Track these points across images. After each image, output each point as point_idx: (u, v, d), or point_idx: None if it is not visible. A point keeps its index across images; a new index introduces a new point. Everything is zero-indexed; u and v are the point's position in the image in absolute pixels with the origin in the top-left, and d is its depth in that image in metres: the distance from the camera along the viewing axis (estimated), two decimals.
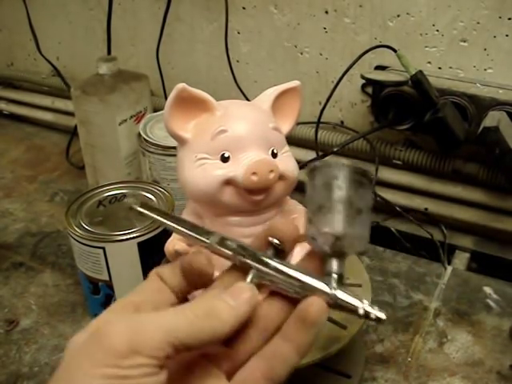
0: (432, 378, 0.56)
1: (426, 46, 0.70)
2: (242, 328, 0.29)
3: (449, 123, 0.65)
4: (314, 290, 0.29)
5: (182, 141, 0.46)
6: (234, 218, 0.46)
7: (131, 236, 0.57)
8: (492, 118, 0.64)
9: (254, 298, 0.29)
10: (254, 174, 0.43)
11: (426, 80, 0.66)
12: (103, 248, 0.57)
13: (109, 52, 0.87)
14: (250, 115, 0.47)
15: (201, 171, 0.44)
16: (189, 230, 0.32)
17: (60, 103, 1.02)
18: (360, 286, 0.54)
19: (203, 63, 0.88)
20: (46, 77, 1.02)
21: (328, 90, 0.73)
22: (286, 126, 0.50)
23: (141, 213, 0.33)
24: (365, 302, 0.29)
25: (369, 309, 0.29)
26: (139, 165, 0.76)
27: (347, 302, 0.29)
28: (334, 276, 0.30)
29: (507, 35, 0.66)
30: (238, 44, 0.83)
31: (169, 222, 0.33)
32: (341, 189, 0.29)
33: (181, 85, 0.44)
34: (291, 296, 0.30)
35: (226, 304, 0.28)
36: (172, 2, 0.83)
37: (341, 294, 0.29)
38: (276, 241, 0.31)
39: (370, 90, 0.75)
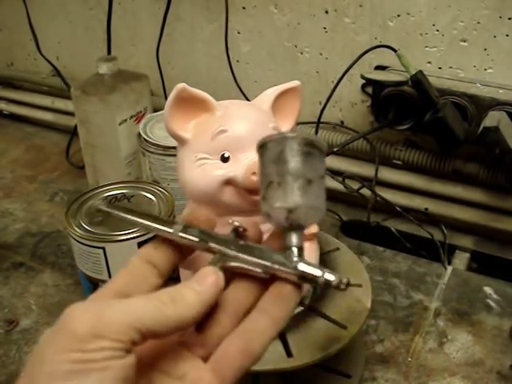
0: (432, 378, 0.56)
1: (426, 46, 0.70)
2: (212, 313, 0.30)
3: (449, 123, 0.65)
4: (277, 268, 0.30)
5: (182, 141, 0.46)
6: (234, 217, 0.46)
7: (131, 236, 0.57)
8: (492, 118, 0.64)
9: (219, 281, 0.29)
10: (254, 173, 0.43)
11: (426, 80, 0.66)
12: (103, 248, 0.57)
13: (109, 52, 0.86)
14: (250, 115, 0.47)
15: (201, 171, 0.44)
16: (152, 221, 0.32)
17: (60, 103, 1.02)
18: (360, 286, 0.54)
19: (203, 63, 0.88)
20: (46, 77, 1.02)
21: (328, 89, 0.73)
22: (286, 126, 0.50)
23: (108, 213, 0.34)
24: (326, 270, 0.29)
25: (329, 276, 0.29)
26: (139, 165, 0.76)
27: (309, 273, 0.29)
28: (294, 250, 0.30)
29: (507, 35, 0.65)
30: (237, 44, 0.83)
31: (131, 217, 0.33)
32: (288, 161, 0.29)
33: (181, 85, 0.44)
34: (258, 276, 0.30)
35: (191, 289, 0.29)
36: (172, 1, 0.83)
37: (302, 266, 0.29)
38: (237, 223, 0.31)
39: (370, 89, 0.75)
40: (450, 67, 0.70)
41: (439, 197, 0.76)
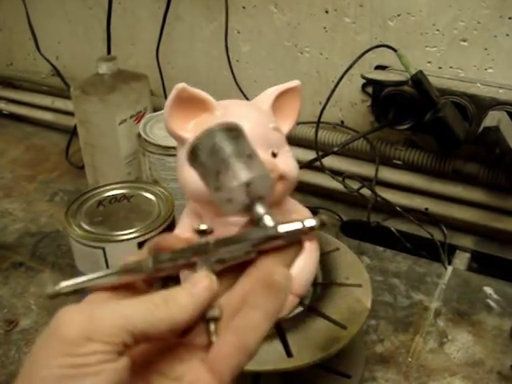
0: (432, 378, 0.56)
1: (427, 46, 0.70)
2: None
3: (449, 123, 0.65)
4: (259, 240, 0.30)
5: (181, 141, 0.46)
6: (234, 217, 0.46)
7: (131, 236, 0.57)
8: (492, 118, 0.64)
9: (212, 284, 0.29)
10: None
11: (426, 80, 0.66)
12: (103, 248, 0.57)
13: (108, 51, 0.86)
14: (250, 115, 0.47)
15: None
16: (119, 274, 0.30)
17: (60, 103, 1.02)
18: (360, 286, 0.54)
19: (203, 63, 0.88)
20: (46, 76, 1.02)
21: (328, 89, 0.72)
22: (286, 126, 0.50)
23: (65, 293, 0.31)
24: (303, 219, 0.30)
25: (310, 223, 0.30)
26: (139, 165, 0.76)
27: (291, 231, 0.30)
28: (267, 216, 0.30)
29: (508, 35, 0.65)
30: (237, 44, 0.83)
31: (95, 278, 0.31)
32: (224, 148, 0.30)
33: (180, 85, 0.44)
34: (248, 259, 0.30)
35: (185, 291, 0.29)
36: (172, 1, 0.83)
37: (282, 228, 0.30)
38: (203, 226, 0.31)
39: (370, 89, 0.75)
40: (451, 67, 0.70)
41: (439, 197, 0.76)
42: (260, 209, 0.30)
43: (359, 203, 0.80)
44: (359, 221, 0.80)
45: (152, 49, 0.88)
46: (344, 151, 0.77)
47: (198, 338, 0.29)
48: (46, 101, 1.04)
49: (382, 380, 0.56)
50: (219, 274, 0.30)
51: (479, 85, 0.67)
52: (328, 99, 0.72)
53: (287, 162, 0.47)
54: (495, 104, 0.65)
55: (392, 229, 0.76)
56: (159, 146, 0.69)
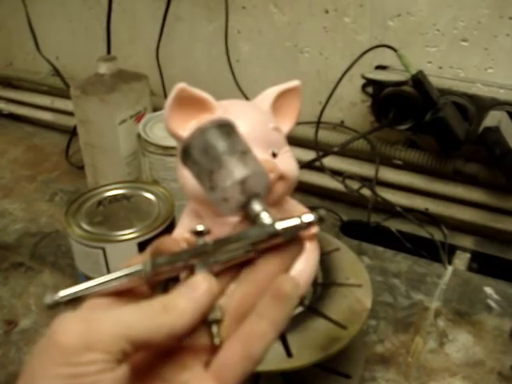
0: (432, 379, 0.56)
1: (427, 46, 0.70)
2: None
3: (449, 123, 0.65)
4: (258, 238, 0.29)
5: (181, 140, 0.46)
6: (234, 217, 0.46)
7: (131, 236, 0.57)
8: (492, 118, 0.64)
9: (212, 287, 0.29)
10: None
11: (426, 80, 0.66)
12: (103, 248, 0.57)
13: (108, 51, 0.86)
14: (250, 115, 0.47)
15: None
16: (117, 280, 0.30)
17: (59, 103, 1.02)
18: (360, 286, 0.54)
19: (203, 63, 0.88)
20: (46, 76, 1.02)
21: (328, 89, 0.72)
22: (286, 126, 0.50)
23: (64, 302, 0.31)
24: (300, 215, 0.29)
25: (308, 218, 0.29)
26: (139, 165, 0.76)
27: (289, 227, 0.29)
28: (264, 213, 0.29)
29: (508, 35, 0.65)
30: (238, 44, 0.83)
31: (93, 285, 0.31)
32: (217, 146, 0.29)
33: (180, 84, 0.44)
34: (244, 259, 0.30)
35: (184, 296, 0.28)
36: (172, 1, 0.83)
37: (280, 225, 0.29)
38: (200, 227, 0.30)
39: (370, 89, 0.75)
40: (451, 67, 0.70)
41: (440, 197, 0.75)
42: (257, 206, 0.30)
43: (359, 203, 0.80)
44: (359, 221, 0.80)
45: (152, 49, 0.88)
46: (344, 151, 0.77)
47: (200, 340, 0.29)
48: (46, 101, 1.04)
49: (382, 380, 0.56)
50: (217, 274, 0.30)
51: (479, 85, 0.67)
52: (328, 99, 0.72)
53: (287, 162, 0.47)
54: (495, 104, 0.65)
55: (392, 229, 0.76)
56: (159, 146, 0.69)
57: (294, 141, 0.75)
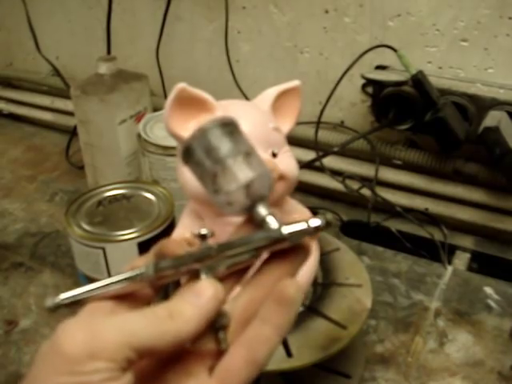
0: (432, 378, 0.56)
1: (427, 46, 0.70)
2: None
3: (449, 123, 0.65)
4: (264, 243, 0.28)
5: (182, 141, 0.46)
6: (234, 218, 0.46)
7: (131, 236, 0.57)
8: (492, 118, 0.64)
9: (218, 293, 0.28)
10: None
11: (426, 80, 0.66)
12: (103, 248, 0.57)
13: (108, 51, 0.86)
14: (250, 115, 0.47)
15: None
16: (119, 283, 0.30)
17: (59, 103, 1.02)
18: (360, 286, 0.54)
19: (203, 63, 0.88)
20: (46, 76, 1.02)
21: (328, 89, 0.72)
22: (286, 126, 0.50)
23: (66, 305, 0.31)
24: (308, 219, 0.28)
25: (315, 222, 0.28)
26: (139, 165, 0.76)
27: (295, 232, 0.28)
28: (270, 217, 0.29)
29: (508, 35, 0.65)
30: (238, 44, 0.83)
31: (94, 288, 0.30)
32: (220, 147, 0.28)
33: (180, 85, 0.44)
34: (249, 264, 0.29)
35: (189, 303, 0.28)
36: (172, 1, 0.83)
37: (286, 229, 0.28)
38: (203, 231, 0.30)
39: (370, 89, 0.75)
40: (451, 67, 0.70)
41: (439, 197, 0.75)
42: (262, 210, 0.29)
43: (359, 203, 0.80)
44: (359, 221, 0.80)
45: (152, 49, 0.88)
46: (344, 151, 0.77)
47: (205, 345, 0.29)
48: (46, 101, 1.04)
49: (382, 380, 0.56)
50: (221, 279, 0.29)
51: (479, 85, 0.67)
52: (328, 99, 0.72)
53: (287, 162, 0.47)
54: (495, 104, 0.65)
55: (392, 229, 0.76)
56: (159, 146, 0.69)
57: (293, 141, 0.75)
